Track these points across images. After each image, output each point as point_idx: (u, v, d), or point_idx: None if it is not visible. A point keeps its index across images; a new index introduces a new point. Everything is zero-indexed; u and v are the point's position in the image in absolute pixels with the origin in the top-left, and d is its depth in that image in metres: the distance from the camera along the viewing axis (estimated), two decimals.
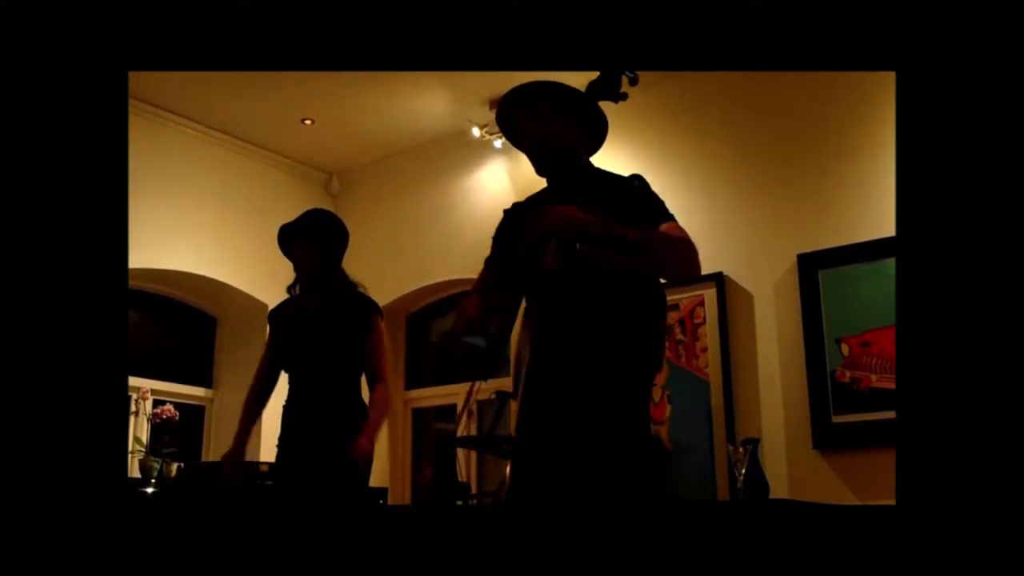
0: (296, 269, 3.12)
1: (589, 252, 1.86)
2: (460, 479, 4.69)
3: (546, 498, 1.80)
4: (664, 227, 1.91)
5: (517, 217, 2.15)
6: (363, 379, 3.09)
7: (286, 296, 3.24)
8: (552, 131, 2.01)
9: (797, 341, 3.82)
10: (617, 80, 1.90)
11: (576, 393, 1.85)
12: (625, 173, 2.06)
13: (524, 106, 2.08)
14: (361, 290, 3.16)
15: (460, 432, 5.15)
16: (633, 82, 1.91)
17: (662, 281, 2.04)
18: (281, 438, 3.08)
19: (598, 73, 1.98)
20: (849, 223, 3.79)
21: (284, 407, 3.11)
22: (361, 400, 3.06)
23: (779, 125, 4.13)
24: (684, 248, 1.89)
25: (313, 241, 3.07)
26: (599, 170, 2.11)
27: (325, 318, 3.05)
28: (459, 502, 4.10)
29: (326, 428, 2.93)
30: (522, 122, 2.08)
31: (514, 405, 2.60)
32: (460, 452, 5.13)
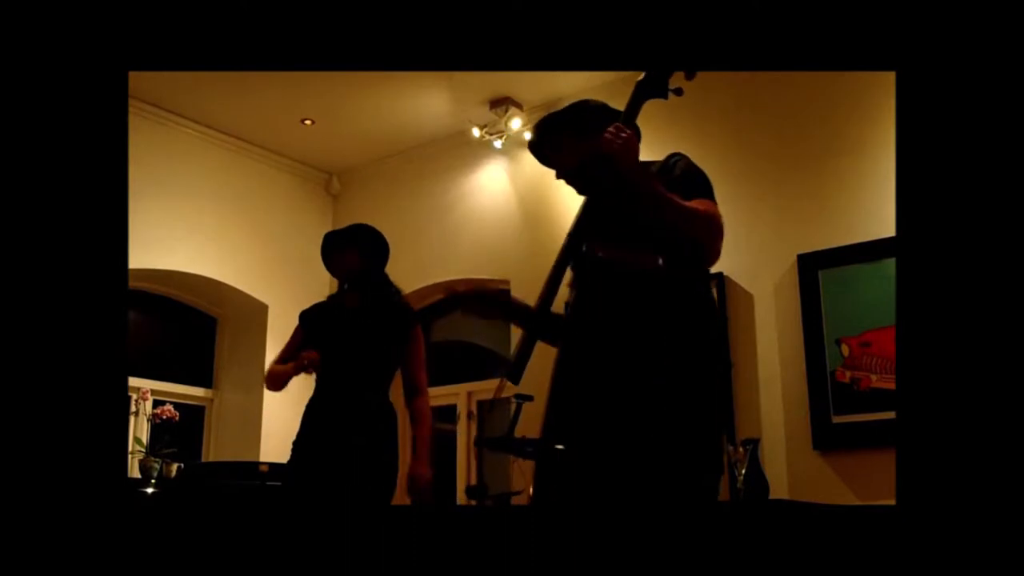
0: (342, 275, 3.13)
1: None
2: (475, 481, 4.69)
3: (561, 501, 1.81)
4: (697, 201, 1.89)
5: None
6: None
7: (331, 294, 3.26)
8: (574, 156, 2.03)
9: (797, 341, 3.82)
10: (665, 78, 1.90)
11: (600, 398, 1.85)
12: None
13: (543, 143, 2.14)
14: (401, 294, 3.20)
15: (459, 434, 5.16)
16: (690, 76, 1.90)
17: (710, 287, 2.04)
18: (302, 435, 3.05)
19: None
20: (849, 223, 3.79)
21: (309, 404, 3.08)
22: (389, 403, 3.07)
23: (779, 125, 4.13)
24: (707, 226, 1.88)
25: (367, 246, 3.15)
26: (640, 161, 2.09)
27: (368, 319, 3.07)
28: (475, 502, 4.10)
29: (354, 428, 2.93)
30: (549, 158, 2.14)
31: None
32: (460, 452, 5.15)
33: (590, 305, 1.93)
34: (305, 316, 3.22)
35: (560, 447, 1.81)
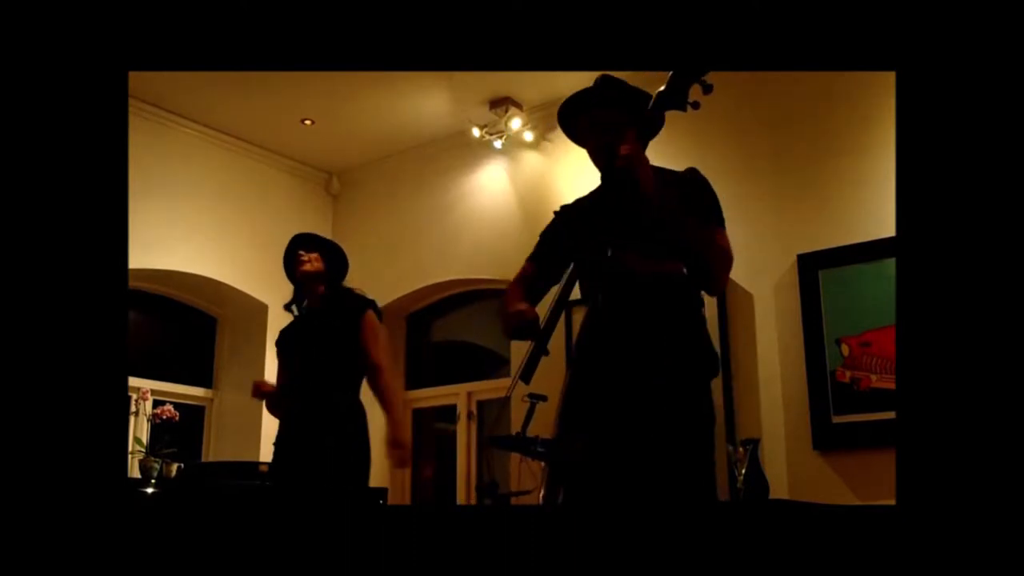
0: (300, 276, 3.15)
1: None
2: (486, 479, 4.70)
3: (578, 496, 1.83)
4: (713, 231, 1.96)
5: (566, 218, 2.19)
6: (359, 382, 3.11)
7: (285, 303, 3.30)
8: (610, 135, 2.01)
9: (797, 341, 3.82)
10: (684, 89, 1.91)
11: (614, 402, 1.87)
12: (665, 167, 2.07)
13: (583, 113, 2.10)
14: (357, 291, 3.21)
15: (459, 434, 5.16)
16: (707, 90, 1.91)
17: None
18: (278, 437, 3.09)
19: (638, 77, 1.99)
20: (849, 223, 3.79)
21: (285, 407, 3.12)
22: (358, 402, 3.07)
23: (779, 125, 4.13)
24: (724, 259, 1.96)
25: (333, 253, 3.21)
26: (655, 167, 2.11)
27: (324, 319, 3.10)
28: (487, 501, 4.10)
29: (322, 426, 2.95)
30: (583, 128, 2.10)
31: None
32: (460, 452, 5.14)
33: (616, 311, 1.94)
34: (278, 342, 3.27)
35: (579, 445, 1.83)
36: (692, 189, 2.01)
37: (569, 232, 2.12)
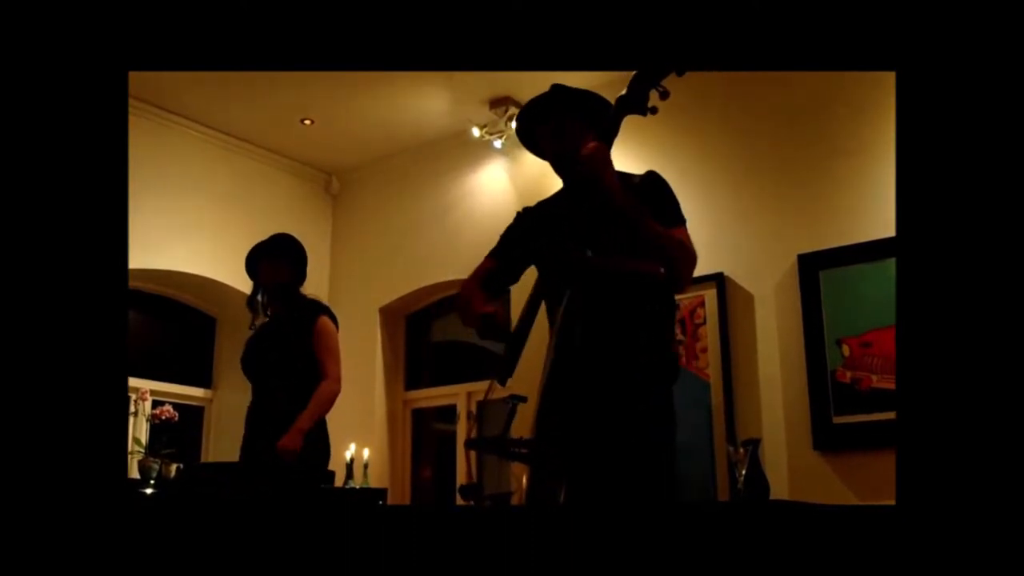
0: (268, 285, 3.16)
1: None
2: (471, 480, 4.70)
3: (557, 498, 1.82)
4: (676, 232, 1.97)
5: (530, 219, 2.19)
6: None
7: (248, 299, 3.30)
8: (573, 143, 2.03)
9: (797, 341, 3.82)
10: (645, 95, 1.92)
11: (593, 399, 1.88)
12: (626, 171, 2.08)
13: (541, 122, 2.11)
14: (311, 296, 3.24)
15: (459, 434, 5.16)
16: (664, 96, 1.93)
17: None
18: (243, 441, 3.16)
19: (600, 78, 2.00)
20: (849, 223, 3.79)
21: (247, 410, 3.19)
22: None
23: (779, 125, 4.13)
24: (690, 259, 1.96)
25: (297, 260, 3.19)
26: (617, 172, 2.13)
27: (283, 326, 3.13)
28: (470, 502, 4.11)
29: (276, 430, 2.96)
30: (543, 137, 2.12)
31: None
32: (460, 452, 5.14)
33: (593, 310, 1.94)
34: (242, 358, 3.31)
35: (557, 449, 1.83)
36: (652, 190, 2.03)
37: (533, 233, 2.14)
